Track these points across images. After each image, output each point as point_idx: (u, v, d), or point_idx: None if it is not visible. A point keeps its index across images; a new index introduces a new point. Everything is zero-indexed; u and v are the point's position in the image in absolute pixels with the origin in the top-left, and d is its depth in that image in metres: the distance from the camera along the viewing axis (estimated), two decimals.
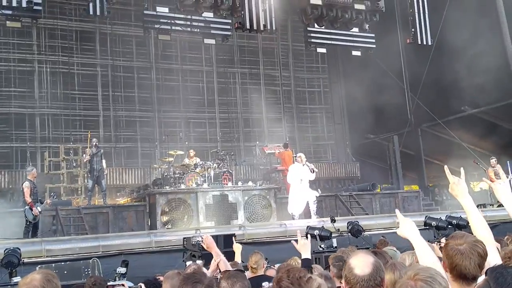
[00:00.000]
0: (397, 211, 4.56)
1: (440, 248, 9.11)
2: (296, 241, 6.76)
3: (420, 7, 25.44)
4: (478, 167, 23.21)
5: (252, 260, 7.86)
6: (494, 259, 3.84)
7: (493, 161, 20.81)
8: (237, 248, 7.66)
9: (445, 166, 4.58)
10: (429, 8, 25.43)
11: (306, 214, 18.44)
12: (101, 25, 26.28)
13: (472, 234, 3.97)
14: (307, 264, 6.49)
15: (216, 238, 7.79)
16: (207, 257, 8.06)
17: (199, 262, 8.08)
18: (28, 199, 15.19)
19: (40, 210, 15.17)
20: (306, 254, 6.57)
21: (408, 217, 4.17)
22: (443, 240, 11.11)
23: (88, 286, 6.75)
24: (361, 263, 3.53)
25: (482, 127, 24.55)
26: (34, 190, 15.35)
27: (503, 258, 3.87)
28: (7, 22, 20.72)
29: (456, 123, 26.34)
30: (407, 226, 4.07)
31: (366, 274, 3.46)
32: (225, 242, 10.29)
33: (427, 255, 3.85)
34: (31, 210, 15.04)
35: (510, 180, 21.80)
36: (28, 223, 15.16)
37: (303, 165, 18.27)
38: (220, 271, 6.16)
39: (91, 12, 20.99)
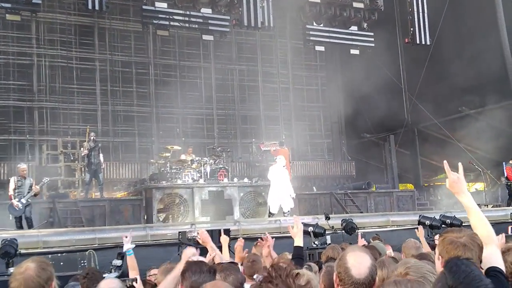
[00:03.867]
0: (445, 162, 4.34)
1: (434, 247, 9.25)
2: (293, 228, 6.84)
3: (420, 7, 25.54)
4: (474, 168, 23.40)
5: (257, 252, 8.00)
6: (496, 256, 3.80)
7: None
8: (224, 240, 7.79)
9: (445, 162, 4.35)
10: (428, 8, 25.53)
11: (301, 211, 18.57)
12: (100, 20, 26.30)
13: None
14: (298, 251, 6.59)
15: (211, 232, 7.89)
16: (202, 252, 8.19)
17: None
18: (9, 192, 15.45)
19: (24, 201, 15.28)
20: (299, 241, 6.66)
21: (454, 173, 4.10)
22: (436, 238, 11.26)
23: (81, 277, 6.84)
24: (358, 264, 3.49)
25: (478, 128, 24.61)
26: (18, 184, 15.47)
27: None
28: (7, 15, 20.82)
29: (453, 124, 26.38)
30: (456, 182, 4.06)
31: (362, 277, 3.45)
32: (220, 237, 10.42)
33: (476, 213, 3.93)
34: (12, 203, 15.23)
35: (504, 183, 21.99)
36: (12, 217, 15.34)
37: (283, 166, 18.52)
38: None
39: (90, 7, 21.10)
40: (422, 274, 3.62)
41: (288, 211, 18.14)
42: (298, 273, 3.11)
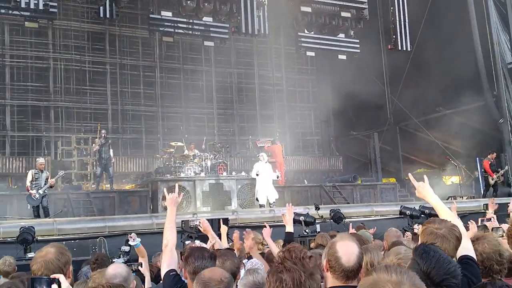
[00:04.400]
0: (410, 175, 4.82)
1: (414, 234, 9.26)
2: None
3: (401, 16, 25.50)
4: (450, 163, 23.46)
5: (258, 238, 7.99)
6: (467, 246, 3.88)
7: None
8: (223, 229, 7.79)
9: (409, 174, 4.82)
10: (409, 17, 25.51)
11: (293, 202, 18.52)
12: (111, 27, 26.26)
13: None
14: (290, 237, 6.60)
15: (211, 221, 7.87)
16: (203, 239, 8.18)
17: (197, 242, 8.19)
18: (27, 184, 15.45)
19: (41, 192, 15.26)
20: (290, 228, 6.68)
21: (420, 182, 4.48)
22: (416, 226, 11.28)
23: (92, 261, 6.85)
24: (348, 252, 3.49)
25: (454, 127, 24.63)
26: (36, 176, 15.46)
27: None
28: (26, 22, 20.75)
29: (431, 123, 26.41)
30: (423, 188, 4.37)
31: (351, 265, 3.44)
32: (219, 225, 10.40)
33: (445, 211, 4.18)
34: (30, 194, 15.22)
35: (479, 177, 22.07)
36: (30, 207, 15.34)
37: (266, 162, 18.57)
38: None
39: (101, 15, 21.05)
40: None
41: (274, 202, 18.21)
42: (311, 256, 3.19)
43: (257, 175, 18.31)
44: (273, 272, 3.06)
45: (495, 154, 21.49)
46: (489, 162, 21.21)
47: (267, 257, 6.64)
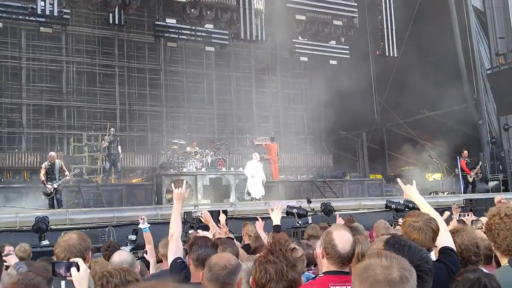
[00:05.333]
0: (398, 180, 5.07)
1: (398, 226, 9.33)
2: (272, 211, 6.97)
3: (389, 25, 25.64)
4: (432, 161, 23.53)
5: (248, 229, 8.06)
6: (447, 239, 3.94)
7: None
8: (222, 217, 7.91)
9: (398, 179, 5.05)
10: (396, 25, 25.61)
11: (287, 196, 18.62)
12: (119, 33, 26.21)
13: None
14: (277, 229, 6.69)
15: (211, 213, 7.95)
16: (204, 229, 8.25)
17: (200, 231, 8.27)
18: (41, 177, 15.51)
19: (56, 186, 15.30)
20: (277, 221, 6.77)
21: (407, 185, 4.57)
22: (400, 220, 11.34)
23: (104, 248, 6.95)
24: (343, 240, 3.59)
25: (436, 127, 24.71)
26: (49, 170, 15.49)
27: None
28: (41, 28, 20.87)
29: (415, 123, 26.45)
30: (410, 190, 4.47)
31: (346, 251, 3.55)
32: (219, 217, 10.47)
33: (428, 209, 4.20)
34: (46, 186, 15.26)
35: (459, 174, 22.15)
36: (44, 197, 15.38)
37: (258, 161, 18.65)
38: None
39: (111, 21, 21.19)
40: None
41: (260, 198, 18.36)
42: (294, 248, 3.19)
43: (252, 176, 18.43)
44: (259, 262, 3.12)
45: (466, 151, 21.57)
46: (465, 161, 21.31)
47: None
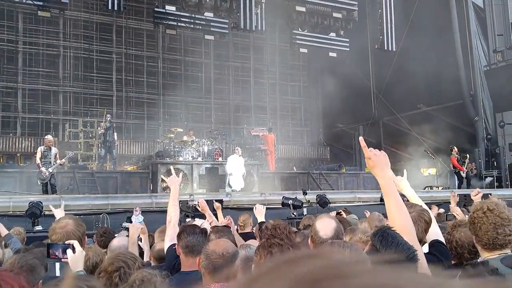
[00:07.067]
0: (361, 138, 4.19)
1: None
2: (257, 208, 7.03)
3: (388, 19, 25.52)
4: (428, 155, 23.54)
5: (241, 219, 8.03)
6: (434, 231, 3.90)
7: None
8: (218, 207, 7.91)
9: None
10: (395, 19, 25.53)
11: (282, 188, 18.58)
12: (118, 19, 26.14)
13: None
14: (262, 225, 6.67)
15: (208, 202, 7.91)
16: (202, 217, 8.21)
17: (197, 219, 8.24)
18: (37, 161, 15.27)
19: (51, 170, 15.14)
20: (261, 218, 6.79)
21: (398, 176, 4.11)
22: None
23: (99, 234, 6.92)
24: (324, 227, 3.63)
25: (433, 123, 24.72)
26: (45, 153, 15.31)
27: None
28: (39, 11, 20.63)
29: (412, 118, 26.47)
30: (400, 182, 4.17)
31: (328, 237, 3.54)
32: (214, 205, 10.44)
33: (418, 202, 4.04)
34: (41, 171, 15.13)
35: (453, 171, 22.17)
36: (40, 183, 15.26)
37: (239, 156, 18.64)
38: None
39: (109, 7, 20.94)
40: None
41: (239, 190, 18.34)
42: (296, 231, 3.18)
43: (230, 174, 18.40)
44: (263, 247, 3.09)
45: (455, 148, 21.56)
46: (456, 158, 21.30)
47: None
